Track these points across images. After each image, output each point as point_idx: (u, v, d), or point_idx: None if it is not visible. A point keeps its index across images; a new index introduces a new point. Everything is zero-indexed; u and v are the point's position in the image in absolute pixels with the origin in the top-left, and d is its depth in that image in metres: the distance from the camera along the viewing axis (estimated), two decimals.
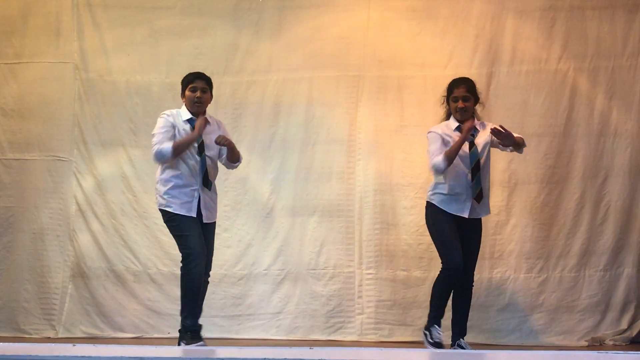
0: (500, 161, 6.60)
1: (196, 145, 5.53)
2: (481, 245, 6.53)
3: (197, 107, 5.60)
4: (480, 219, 5.74)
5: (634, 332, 6.41)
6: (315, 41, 6.90)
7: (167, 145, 5.43)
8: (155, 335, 6.73)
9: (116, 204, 6.91)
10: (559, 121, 6.61)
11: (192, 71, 5.78)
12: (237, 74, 6.92)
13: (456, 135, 5.60)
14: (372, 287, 6.64)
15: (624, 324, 6.46)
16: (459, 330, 5.67)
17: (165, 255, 6.80)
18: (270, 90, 6.91)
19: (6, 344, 5.85)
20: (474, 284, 5.72)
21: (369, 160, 6.76)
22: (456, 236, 5.58)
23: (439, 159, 5.52)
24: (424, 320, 5.83)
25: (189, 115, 5.60)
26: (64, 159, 6.98)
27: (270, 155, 6.85)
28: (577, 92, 6.63)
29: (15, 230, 6.95)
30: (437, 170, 5.58)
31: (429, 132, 5.73)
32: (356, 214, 6.73)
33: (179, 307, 6.57)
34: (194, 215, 5.51)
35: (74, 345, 5.75)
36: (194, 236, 5.47)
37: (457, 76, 6.54)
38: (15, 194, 6.98)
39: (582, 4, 6.67)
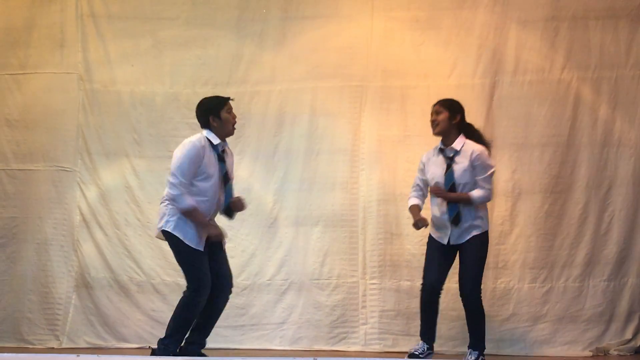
0: (503, 171, 6.60)
1: (220, 174, 5.36)
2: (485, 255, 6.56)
3: (233, 129, 5.46)
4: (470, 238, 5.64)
5: (639, 342, 6.40)
6: (318, 51, 6.91)
7: (189, 203, 5.20)
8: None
9: (120, 214, 6.92)
10: (563, 131, 6.62)
11: (215, 95, 5.62)
12: (240, 85, 6.93)
13: (435, 157, 5.70)
14: (376, 297, 6.63)
15: (628, 334, 6.44)
16: (473, 340, 5.72)
17: (169, 265, 6.79)
18: (274, 101, 6.93)
19: (10, 354, 5.86)
20: (474, 295, 5.67)
21: (372, 170, 6.76)
22: (435, 259, 5.67)
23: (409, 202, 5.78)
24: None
25: (218, 140, 5.39)
26: (68, 169, 7.00)
27: (273, 166, 6.86)
28: (581, 102, 6.63)
29: (19, 240, 6.96)
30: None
31: None
32: (360, 224, 6.73)
33: None
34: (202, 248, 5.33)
35: (77, 355, 5.76)
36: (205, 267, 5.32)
37: (461, 86, 6.61)
38: (19, 204, 6.99)
39: (585, 14, 6.68)
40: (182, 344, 5.38)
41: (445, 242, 5.64)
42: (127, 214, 6.91)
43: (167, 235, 5.36)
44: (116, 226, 6.91)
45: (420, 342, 5.71)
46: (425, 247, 5.94)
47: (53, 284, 6.88)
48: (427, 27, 6.82)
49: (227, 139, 5.51)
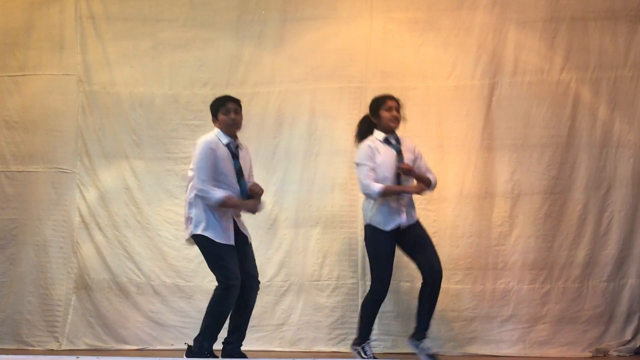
0: (503, 172, 6.60)
1: (234, 170, 5.55)
2: (485, 256, 6.57)
3: (235, 129, 5.63)
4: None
5: (638, 343, 6.39)
6: (317, 53, 6.91)
7: (220, 194, 5.40)
8: (159, 347, 6.72)
9: (119, 215, 6.91)
10: (562, 132, 6.62)
11: (223, 95, 5.80)
12: (239, 86, 6.92)
13: (382, 146, 5.79)
14: None
15: (627, 335, 6.44)
16: (427, 325, 5.79)
17: (168, 267, 6.80)
18: (273, 102, 6.93)
19: (9, 356, 5.87)
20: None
21: None
22: (392, 255, 5.82)
23: (376, 187, 5.71)
24: (428, 331, 5.83)
25: (226, 139, 5.59)
26: (67, 171, 6.99)
27: (273, 167, 6.86)
28: (580, 103, 6.63)
29: (18, 242, 6.96)
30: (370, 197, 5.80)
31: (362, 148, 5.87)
32: (359, 225, 6.71)
33: (182, 319, 6.60)
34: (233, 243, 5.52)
35: (77, 357, 5.78)
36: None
37: (460, 87, 6.61)
38: (18, 206, 6.99)
39: (584, 15, 6.68)
40: (223, 346, 5.55)
41: (407, 222, 5.75)
42: (126, 215, 6.91)
43: (198, 239, 5.49)
44: (115, 228, 6.91)
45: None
46: None
47: (52, 286, 6.87)
48: (426, 28, 6.82)
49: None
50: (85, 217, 6.94)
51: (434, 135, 6.67)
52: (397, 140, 5.89)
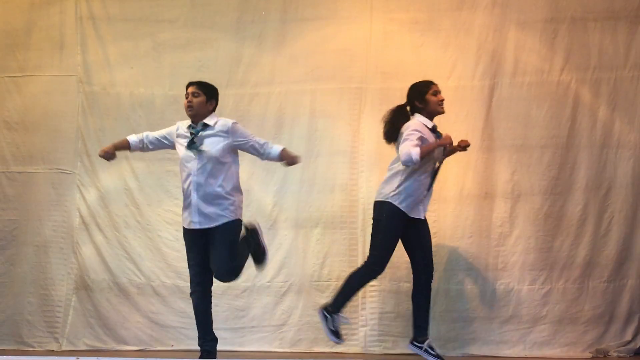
0: (503, 172, 6.61)
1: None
2: (485, 256, 6.57)
3: (189, 111, 5.65)
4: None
5: (638, 343, 6.39)
6: (317, 53, 6.91)
7: None
8: (159, 348, 6.72)
9: (120, 216, 6.92)
10: (562, 132, 6.62)
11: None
12: (240, 86, 6.93)
13: (429, 134, 5.74)
14: (376, 299, 6.63)
15: (628, 335, 6.44)
16: (427, 324, 5.81)
17: (168, 267, 6.80)
18: (273, 103, 6.93)
19: (10, 357, 5.88)
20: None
21: (371, 172, 6.76)
22: (397, 238, 5.81)
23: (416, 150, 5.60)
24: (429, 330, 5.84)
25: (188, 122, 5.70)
26: (67, 171, 7.00)
27: (273, 168, 6.85)
28: (580, 104, 6.63)
29: (18, 243, 6.96)
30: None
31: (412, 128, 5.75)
32: (359, 226, 6.73)
33: (182, 320, 6.62)
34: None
35: (77, 358, 5.79)
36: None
37: (460, 88, 6.63)
38: (18, 206, 7.00)
39: (584, 16, 6.68)
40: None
41: (422, 216, 5.77)
42: (126, 216, 6.92)
43: (232, 224, 5.53)
44: (116, 228, 6.91)
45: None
46: None
47: (53, 287, 6.88)
48: (426, 29, 6.83)
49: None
50: (85, 217, 6.94)
51: None
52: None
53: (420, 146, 5.59)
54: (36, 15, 7.14)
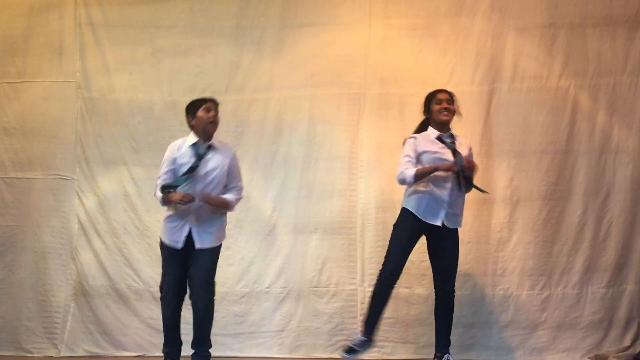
0: (501, 178, 6.61)
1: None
2: (484, 262, 6.56)
3: (213, 128, 5.66)
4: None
5: (637, 349, 6.38)
6: (316, 59, 6.92)
7: (157, 194, 5.58)
8: (158, 354, 6.67)
9: (118, 222, 6.91)
10: (561, 138, 6.62)
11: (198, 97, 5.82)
12: (239, 92, 6.94)
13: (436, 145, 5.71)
14: None
15: (627, 341, 6.43)
16: (446, 341, 5.74)
17: None
18: (272, 108, 6.93)
19: None
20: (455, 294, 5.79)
21: (370, 178, 6.76)
22: (407, 242, 5.72)
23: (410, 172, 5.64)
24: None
25: (194, 140, 5.64)
26: (66, 177, 7.00)
27: (272, 173, 6.86)
28: (578, 109, 6.64)
29: (17, 249, 6.95)
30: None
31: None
32: (358, 231, 6.73)
33: (181, 325, 6.58)
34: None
35: None
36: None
37: (459, 93, 6.57)
38: (17, 212, 6.99)
39: (583, 22, 6.69)
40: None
41: (439, 223, 5.64)
42: (125, 222, 6.91)
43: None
44: (114, 234, 6.91)
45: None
46: (425, 254, 5.95)
47: (51, 292, 6.87)
48: (425, 35, 6.83)
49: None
50: (84, 223, 6.94)
51: None
52: (452, 137, 5.80)
53: (417, 167, 5.64)
54: (35, 21, 7.14)
